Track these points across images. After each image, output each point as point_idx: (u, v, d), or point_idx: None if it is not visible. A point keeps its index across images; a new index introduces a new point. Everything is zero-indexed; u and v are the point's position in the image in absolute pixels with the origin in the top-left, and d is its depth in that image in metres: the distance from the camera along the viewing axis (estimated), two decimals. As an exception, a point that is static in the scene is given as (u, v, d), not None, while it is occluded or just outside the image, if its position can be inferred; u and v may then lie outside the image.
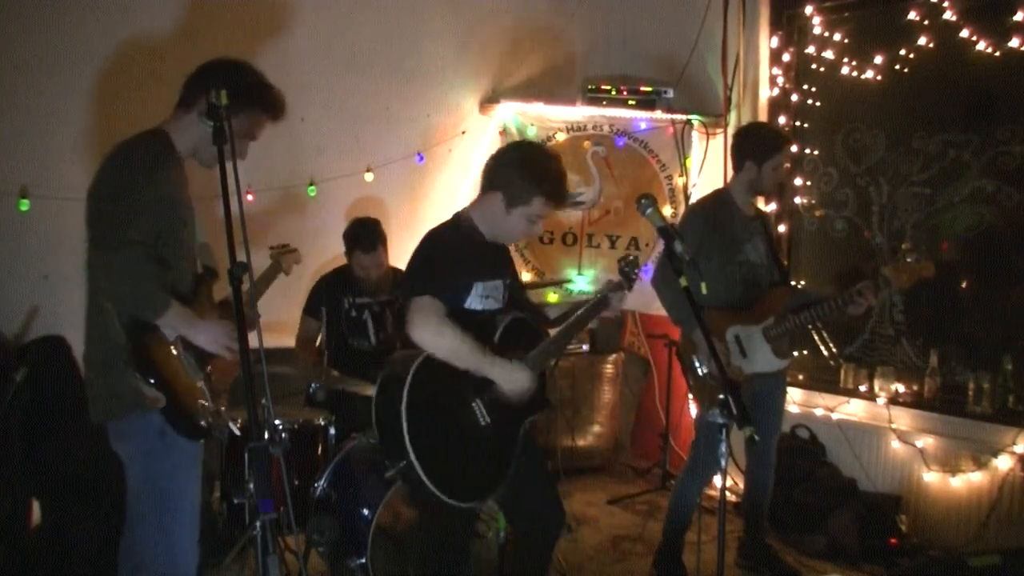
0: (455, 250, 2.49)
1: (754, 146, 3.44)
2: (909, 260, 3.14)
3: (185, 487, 2.24)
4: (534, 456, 2.67)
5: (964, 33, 3.97)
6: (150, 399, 2.08)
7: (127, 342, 2.09)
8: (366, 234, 3.90)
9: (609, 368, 5.12)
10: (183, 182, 2.31)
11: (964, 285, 4.10)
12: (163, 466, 2.19)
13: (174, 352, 2.15)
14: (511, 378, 2.42)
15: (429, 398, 2.33)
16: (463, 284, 2.47)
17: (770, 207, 4.69)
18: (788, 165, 3.56)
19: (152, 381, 2.08)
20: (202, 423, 2.19)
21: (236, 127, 2.19)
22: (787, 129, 4.66)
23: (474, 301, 2.50)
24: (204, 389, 2.22)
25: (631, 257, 2.84)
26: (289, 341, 4.06)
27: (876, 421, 4.18)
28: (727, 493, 2.18)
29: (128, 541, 2.27)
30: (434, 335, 2.33)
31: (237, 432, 3.18)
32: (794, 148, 4.67)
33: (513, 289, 2.70)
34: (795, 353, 3.95)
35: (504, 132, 5.03)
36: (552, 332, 2.70)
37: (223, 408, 2.31)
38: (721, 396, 2.03)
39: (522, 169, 2.45)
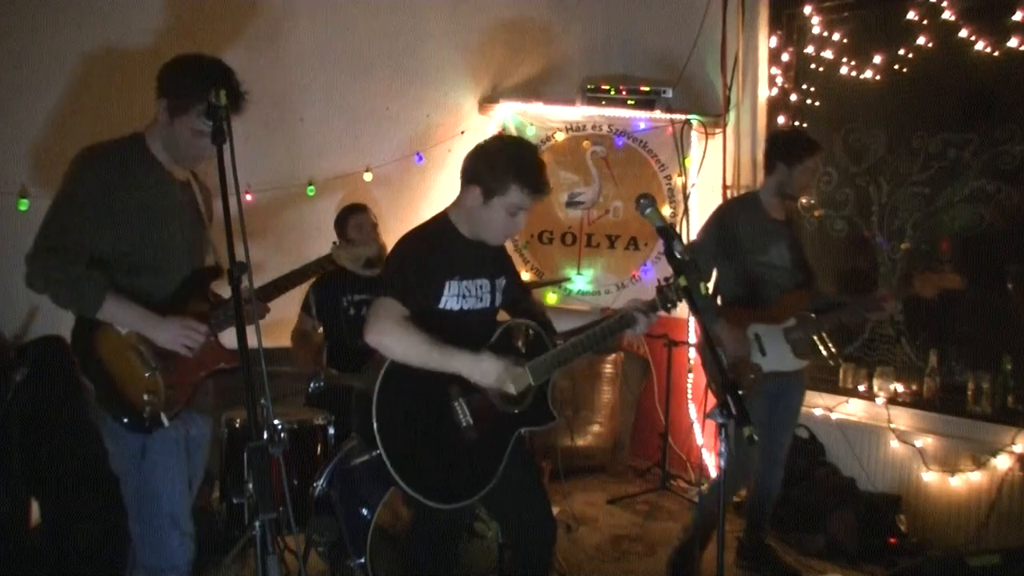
0: (424, 249, 2.42)
1: (786, 148, 3.49)
2: (942, 270, 3.24)
3: (164, 479, 2.26)
4: (527, 466, 2.62)
5: (963, 33, 3.96)
6: (85, 387, 2.24)
7: (73, 335, 2.26)
8: (354, 204, 4.02)
9: (609, 368, 5.12)
10: (165, 185, 2.32)
11: (964, 285, 4.09)
12: (136, 461, 2.24)
13: (127, 345, 2.25)
14: (477, 369, 2.30)
15: (405, 391, 2.30)
16: (433, 283, 2.39)
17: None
18: (818, 173, 3.63)
19: (84, 370, 2.24)
20: (143, 415, 2.24)
21: (186, 125, 2.24)
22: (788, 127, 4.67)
23: (449, 301, 2.42)
24: (158, 383, 2.26)
25: (673, 284, 2.40)
26: (289, 341, 4.06)
27: (875, 421, 4.18)
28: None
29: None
30: (384, 337, 2.27)
31: (166, 423, 2.52)
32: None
33: (509, 291, 2.62)
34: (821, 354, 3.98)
35: (504, 132, 5.03)
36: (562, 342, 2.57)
37: (172, 403, 2.31)
38: (729, 396, 2.02)
39: (496, 158, 2.38)
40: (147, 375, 2.25)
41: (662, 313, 2.48)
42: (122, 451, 2.26)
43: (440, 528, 2.62)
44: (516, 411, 2.47)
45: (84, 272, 2.20)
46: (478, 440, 2.39)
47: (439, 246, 2.44)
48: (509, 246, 4.96)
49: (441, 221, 2.50)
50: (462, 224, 2.47)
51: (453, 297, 2.42)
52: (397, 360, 2.29)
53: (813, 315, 3.39)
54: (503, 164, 2.36)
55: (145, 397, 2.24)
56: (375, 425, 2.25)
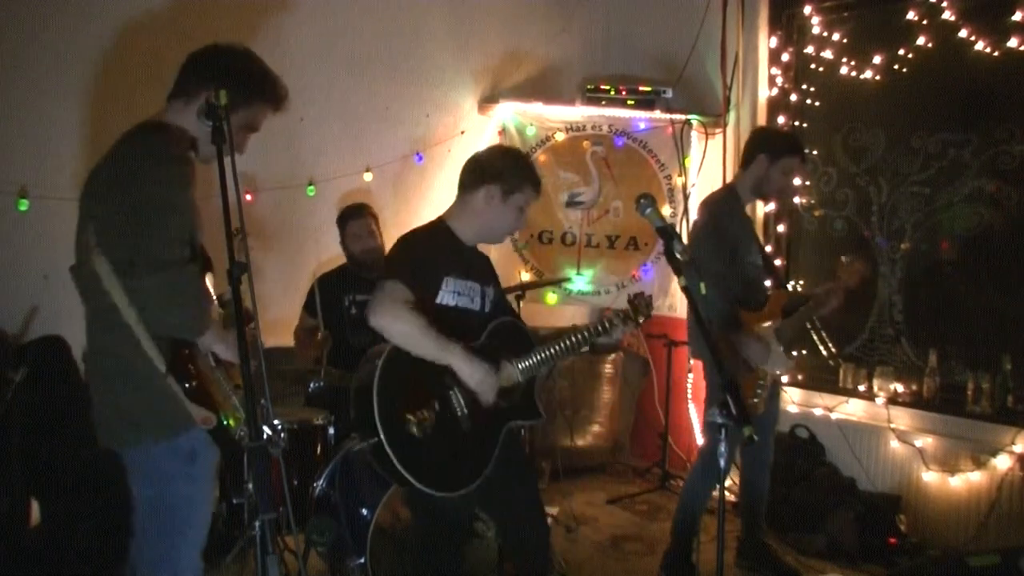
0: (428, 243, 2.58)
1: (772, 142, 3.46)
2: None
3: (200, 508, 2.15)
4: (517, 463, 2.69)
5: (963, 33, 3.96)
6: (201, 419, 2.00)
7: (169, 362, 1.98)
8: (353, 207, 4.05)
9: (608, 368, 5.13)
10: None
11: (963, 285, 4.10)
12: (184, 492, 2.10)
13: (205, 368, 2.07)
14: (467, 367, 2.40)
15: (405, 378, 2.36)
16: (434, 275, 2.51)
17: (769, 207, 4.69)
18: (797, 178, 3.57)
19: (197, 400, 2.01)
20: (239, 436, 2.07)
21: (240, 120, 2.14)
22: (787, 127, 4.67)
23: (447, 296, 2.53)
24: (236, 403, 2.14)
25: (647, 297, 2.78)
26: (290, 340, 4.06)
27: (875, 421, 4.18)
28: (727, 493, 2.18)
29: (134, 555, 2.21)
30: (389, 318, 2.35)
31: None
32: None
33: (496, 302, 2.74)
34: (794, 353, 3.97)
35: (503, 132, 5.03)
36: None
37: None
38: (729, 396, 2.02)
39: (511, 162, 2.63)
40: (232, 398, 2.13)
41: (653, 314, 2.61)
42: (168, 484, 2.08)
43: (441, 526, 2.64)
44: (507, 405, 2.56)
45: (205, 287, 2.07)
46: (472, 430, 2.47)
47: (440, 244, 2.60)
48: (508, 246, 5.04)
49: (439, 226, 2.66)
50: (461, 229, 2.64)
51: (450, 293, 2.55)
52: (396, 343, 2.37)
53: (792, 314, 3.38)
54: (519, 166, 2.63)
55: (239, 417, 2.12)
56: (376, 412, 2.28)
